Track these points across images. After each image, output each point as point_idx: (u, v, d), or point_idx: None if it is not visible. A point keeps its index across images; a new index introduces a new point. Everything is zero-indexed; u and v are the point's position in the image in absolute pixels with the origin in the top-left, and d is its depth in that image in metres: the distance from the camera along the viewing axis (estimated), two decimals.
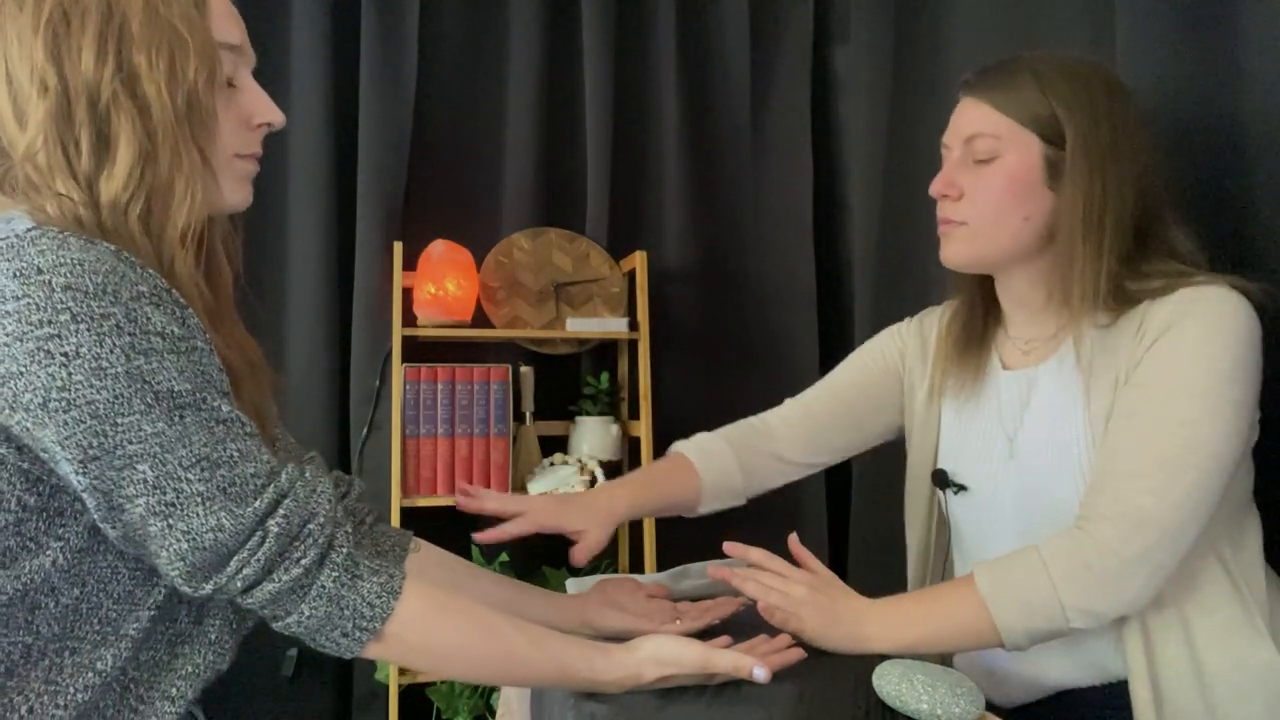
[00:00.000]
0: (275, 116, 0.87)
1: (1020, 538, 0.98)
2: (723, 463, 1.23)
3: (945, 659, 1.17)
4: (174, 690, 0.79)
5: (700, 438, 1.26)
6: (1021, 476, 1.06)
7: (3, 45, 0.75)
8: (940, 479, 1.16)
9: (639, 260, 2.03)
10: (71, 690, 0.74)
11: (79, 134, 0.75)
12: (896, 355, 1.26)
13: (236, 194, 0.87)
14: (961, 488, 1.13)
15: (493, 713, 1.87)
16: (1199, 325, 0.93)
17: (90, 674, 0.75)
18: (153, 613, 0.78)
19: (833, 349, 2.19)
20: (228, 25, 0.84)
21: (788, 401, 1.31)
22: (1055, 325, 1.06)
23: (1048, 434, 1.04)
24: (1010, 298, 1.11)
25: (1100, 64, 1.05)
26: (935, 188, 1.08)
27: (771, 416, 1.29)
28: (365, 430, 1.98)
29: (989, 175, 1.02)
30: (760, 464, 1.25)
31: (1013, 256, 1.05)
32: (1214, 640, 0.95)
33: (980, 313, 1.15)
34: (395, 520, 1.84)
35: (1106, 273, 0.98)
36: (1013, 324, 1.13)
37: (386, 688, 1.85)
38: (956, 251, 1.07)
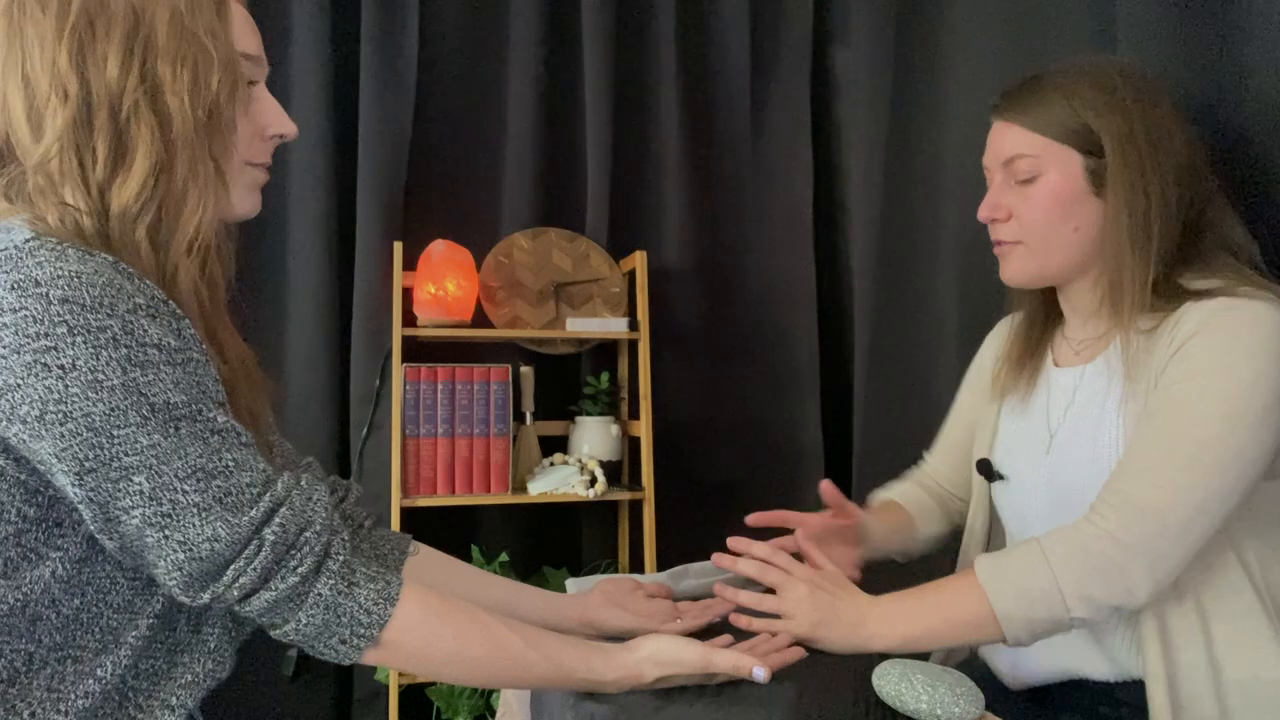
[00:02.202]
0: (288, 128, 0.88)
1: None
2: (924, 505, 1.32)
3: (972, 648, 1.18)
4: (174, 699, 0.79)
5: (898, 486, 1.36)
6: (1054, 472, 1.08)
7: (23, 47, 0.75)
8: (983, 468, 1.18)
9: (639, 260, 2.03)
10: (72, 697, 0.75)
11: (96, 142, 0.75)
12: (976, 375, 1.31)
13: (246, 203, 0.87)
14: (1000, 477, 1.15)
15: (493, 713, 1.87)
16: (1225, 332, 0.93)
17: (91, 681, 0.75)
18: (151, 621, 0.78)
19: (833, 349, 2.19)
20: (246, 35, 0.84)
21: (926, 457, 1.38)
22: (1106, 326, 1.07)
23: (1084, 433, 1.05)
24: (1069, 303, 1.13)
25: (1126, 63, 1.05)
26: (983, 213, 1.09)
27: (931, 468, 1.37)
28: (365, 430, 1.98)
29: (1034, 194, 1.04)
30: (949, 507, 1.33)
31: (1070, 267, 1.06)
32: (1233, 649, 0.95)
33: (1040, 317, 1.17)
34: (395, 521, 1.84)
35: (1157, 275, 0.99)
36: (1069, 325, 1.14)
37: (386, 688, 1.85)
38: (1016, 270, 1.09)
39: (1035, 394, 1.15)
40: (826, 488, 1.19)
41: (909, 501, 1.32)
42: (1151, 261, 0.99)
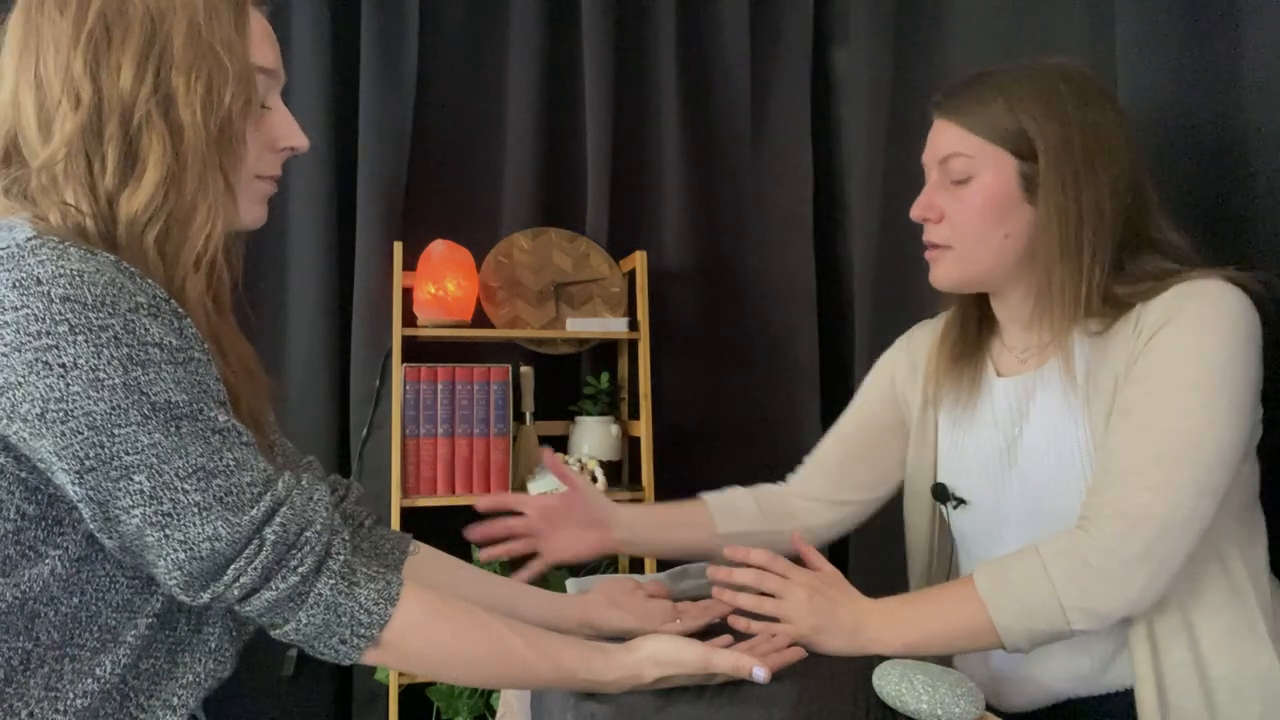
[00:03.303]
0: (300, 141, 0.88)
1: (1028, 544, 0.97)
2: (733, 495, 1.25)
3: (948, 662, 1.17)
4: (175, 699, 0.79)
5: (730, 489, 1.28)
6: (1024, 484, 1.06)
7: (37, 48, 0.75)
8: (940, 493, 1.15)
9: (639, 260, 2.03)
10: (71, 696, 0.74)
11: (106, 150, 0.74)
12: (888, 383, 1.26)
13: (252, 214, 0.87)
14: (961, 501, 1.13)
15: (493, 713, 1.87)
16: (1193, 319, 0.93)
17: (90, 680, 0.75)
18: (151, 620, 0.78)
19: (833, 349, 2.19)
20: (264, 48, 0.84)
21: (801, 466, 1.32)
22: (1049, 334, 1.05)
23: (1048, 442, 1.03)
24: (1002, 311, 1.11)
25: (1071, 68, 1.03)
26: (915, 212, 1.08)
27: (799, 477, 1.30)
28: (365, 430, 1.98)
29: (967, 196, 1.03)
30: (778, 502, 1.26)
31: (1000, 274, 1.05)
32: (1217, 644, 0.95)
33: (973, 322, 1.15)
34: (395, 520, 1.85)
35: (1088, 285, 0.98)
36: (1007, 334, 1.12)
37: (386, 688, 1.86)
38: (944, 275, 1.08)
39: (979, 406, 1.12)
40: (547, 456, 1.17)
41: (719, 504, 1.23)
42: (1083, 272, 0.98)
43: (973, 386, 1.12)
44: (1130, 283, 0.99)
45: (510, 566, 1.95)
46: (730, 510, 1.23)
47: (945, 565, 1.20)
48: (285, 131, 0.87)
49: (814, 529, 1.25)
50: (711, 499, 1.24)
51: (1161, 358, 0.93)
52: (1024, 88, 1.00)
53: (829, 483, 1.26)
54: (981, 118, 1.01)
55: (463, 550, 1.95)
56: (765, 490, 1.28)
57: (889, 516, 1.77)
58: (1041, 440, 1.04)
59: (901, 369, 1.25)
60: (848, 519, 1.27)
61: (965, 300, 1.15)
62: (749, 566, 1.03)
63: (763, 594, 1.01)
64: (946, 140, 1.04)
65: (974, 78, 1.05)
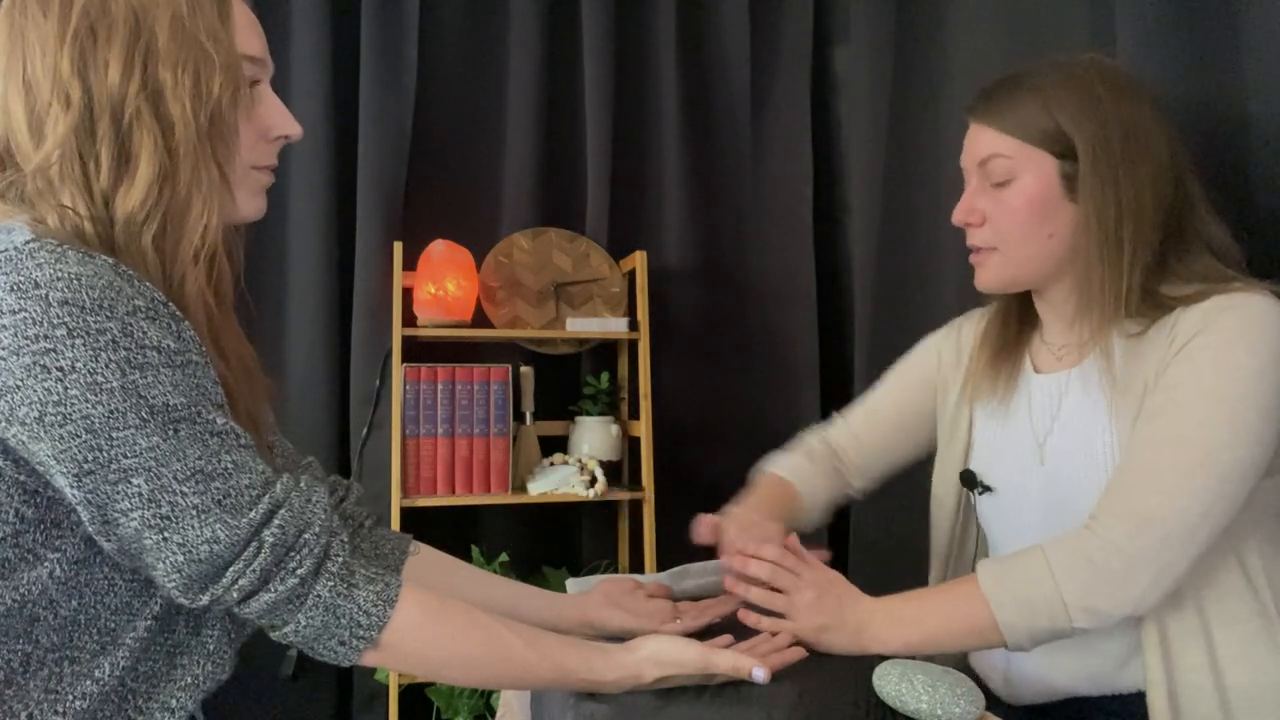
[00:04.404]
0: (293, 129, 0.87)
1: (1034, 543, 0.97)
2: (813, 481, 1.28)
3: (961, 658, 1.17)
4: (174, 701, 0.79)
5: (788, 459, 1.30)
6: (1049, 483, 1.06)
7: (24, 51, 0.74)
8: (967, 479, 1.15)
9: (639, 260, 2.03)
10: (70, 698, 0.74)
11: (100, 149, 0.74)
12: (933, 367, 1.27)
13: (251, 206, 0.87)
14: (987, 489, 1.13)
15: (493, 713, 1.87)
16: (1226, 330, 0.92)
17: (89, 682, 0.75)
18: (149, 623, 0.78)
19: (833, 349, 2.19)
20: (249, 37, 0.83)
21: (837, 423, 1.33)
22: (1089, 332, 1.05)
23: (1077, 441, 1.03)
24: (1046, 307, 1.11)
25: (1104, 62, 1.03)
26: (957, 216, 1.07)
27: (838, 438, 1.32)
28: (365, 430, 1.98)
29: (1009, 198, 1.02)
30: (835, 484, 1.30)
31: (1046, 273, 1.05)
32: (1234, 653, 0.94)
33: (1015, 317, 1.15)
34: (395, 521, 1.84)
35: (1129, 285, 0.97)
36: (1049, 330, 1.12)
37: (386, 688, 1.86)
38: (991, 277, 1.07)
39: (1015, 401, 1.12)
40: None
41: (800, 480, 1.27)
42: (1124, 271, 0.97)
43: (1009, 382, 1.13)
44: (1177, 283, 0.98)
45: (512, 567, 1.96)
46: (811, 496, 1.26)
47: (968, 561, 1.20)
48: (277, 120, 0.86)
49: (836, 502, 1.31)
50: (800, 486, 1.26)
51: (1191, 367, 0.93)
52: (1058, 87, 1.00)
53: (864, 474, 1.30)
54: (1017, 119, 1.01)
55: (463, 551, 1.95)
56: (829, 471, 1.30)
57: (890, 516, 1.77)
58: (1071, 438, 1.04)
59: (949, 354, 1.25)
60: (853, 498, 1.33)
61: (1008, 297, 1.15)
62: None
63: (772, 589, 1.01)
64: (984, 143, 1.03)
65: (1006, 79, 1.04)
